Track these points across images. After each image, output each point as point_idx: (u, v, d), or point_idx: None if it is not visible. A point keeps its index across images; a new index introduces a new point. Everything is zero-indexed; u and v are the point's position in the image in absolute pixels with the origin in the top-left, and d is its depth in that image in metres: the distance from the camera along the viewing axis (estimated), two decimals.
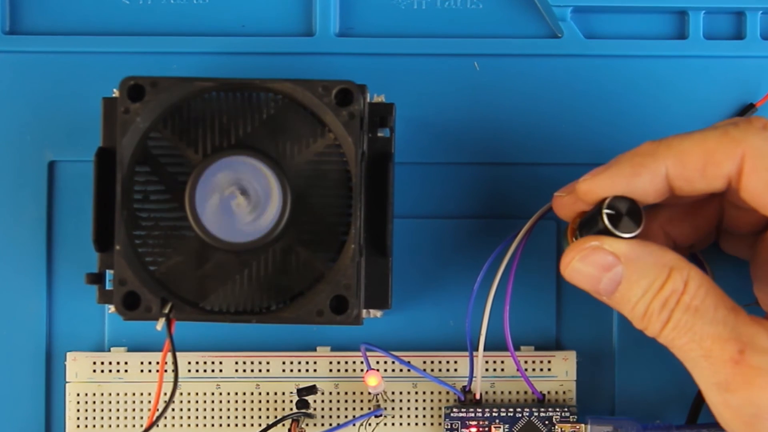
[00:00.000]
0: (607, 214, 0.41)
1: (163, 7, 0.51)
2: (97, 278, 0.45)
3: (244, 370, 0.50)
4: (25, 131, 0.51)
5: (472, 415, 0.48)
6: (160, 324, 0.43)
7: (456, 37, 0.51)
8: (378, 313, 0.47)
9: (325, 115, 0.43)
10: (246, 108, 0.43)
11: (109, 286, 0.45)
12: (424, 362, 0.50)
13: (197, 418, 0.50)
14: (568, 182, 0.45)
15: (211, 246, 0.43)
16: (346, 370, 0.50)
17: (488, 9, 0.51)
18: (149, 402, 0.49)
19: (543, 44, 0.51)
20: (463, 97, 0.50)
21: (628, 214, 0.41)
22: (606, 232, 0.41)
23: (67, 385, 0.50)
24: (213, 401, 0.50)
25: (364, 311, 0.45)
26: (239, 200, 0.42)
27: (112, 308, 0.43)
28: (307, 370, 0.50)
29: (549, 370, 0.50)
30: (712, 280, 0.41)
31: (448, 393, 0.50)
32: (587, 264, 0.41)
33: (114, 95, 0.44)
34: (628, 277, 0.41)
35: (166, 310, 0.43)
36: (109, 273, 0.45)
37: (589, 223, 0.42)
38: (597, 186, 0.41)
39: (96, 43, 0.50)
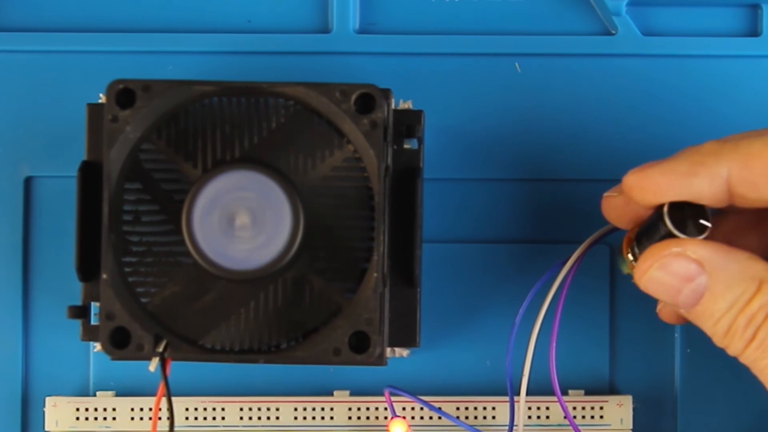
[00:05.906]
0: (671, 218, 0.40)
1: (157, 0, 0.51)
2: (80, 312, 0.45)
3: (251, 418, 0.50)
4: None
5: None
6: (154, 364, 0.43)
7: (494, 34, 0.51)
8: (404, 352, 0.47)
9: (343, 124, 0.43)
10: (252, 116, 0.43)
11: (94, 321, 0.45)
12: (458, 408, 0.50)
13: None
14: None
15: (211, 275, 0.42)
16: (368, 418, 0.50)
17: (531, 2, 0.51)
18: None
19: (594, 42, 0.51)
20: (502, 102, 0.51)
21: (692, 217, 0.41)
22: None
23: None
24: None
25: (388, 350, 0.46)
26: (244, 222, 0.42)
27: (98, 346, 0.43)
28: (322, 418, 0.50)
29: (601, 417, 0.50)
30: None
31: None
32: (667, 273, 0.41)
33: (100, 101, 0.44)
34: (712, 289, 0.41)
35: (161, 349, 0.43)
36: (95, 306, 0.45)
37: (649, 231, 0.42)
38: (646, 181, 0.41)
39: (80, 41, 0.51)
